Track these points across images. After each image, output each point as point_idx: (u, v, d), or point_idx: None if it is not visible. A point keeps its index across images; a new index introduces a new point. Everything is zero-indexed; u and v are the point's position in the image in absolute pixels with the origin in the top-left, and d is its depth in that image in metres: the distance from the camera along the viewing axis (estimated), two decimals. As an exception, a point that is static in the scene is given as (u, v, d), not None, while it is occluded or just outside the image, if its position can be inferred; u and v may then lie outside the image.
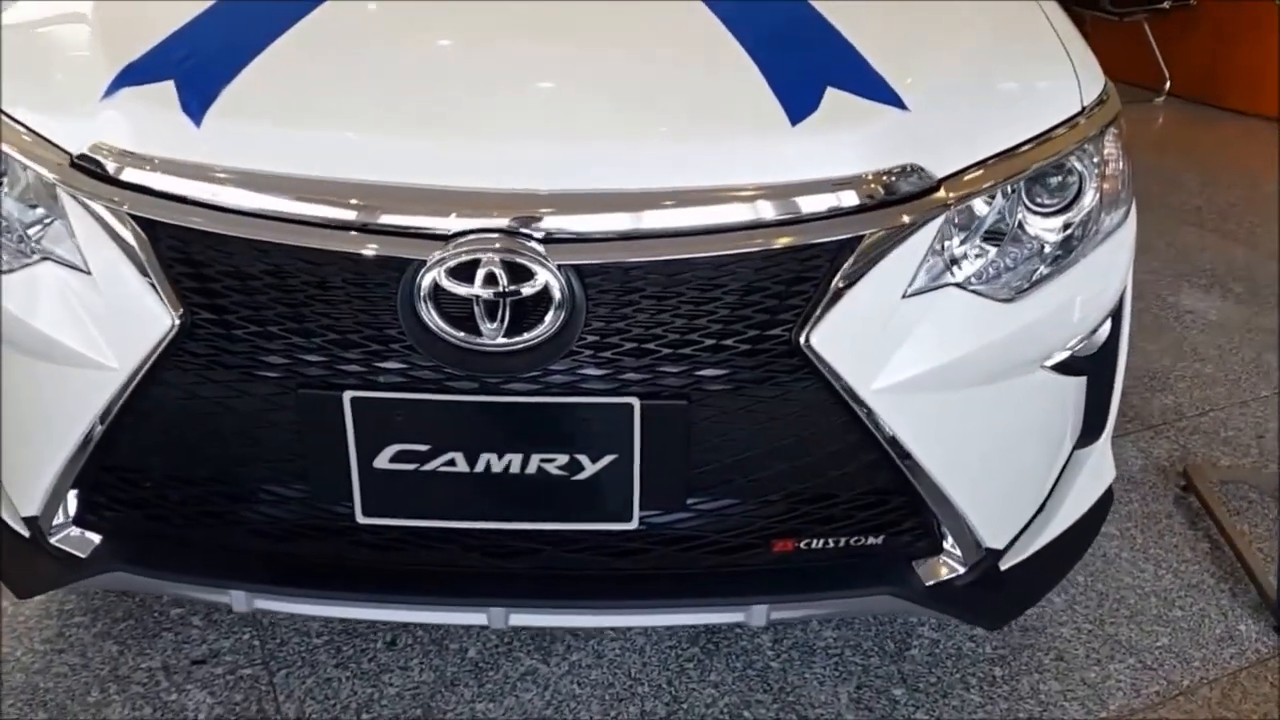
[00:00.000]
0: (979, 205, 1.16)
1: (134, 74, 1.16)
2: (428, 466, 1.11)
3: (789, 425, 1.13)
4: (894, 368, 1.11)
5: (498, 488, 1.12)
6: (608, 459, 1.10)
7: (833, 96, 1.14)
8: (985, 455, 1.23)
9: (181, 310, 1.08)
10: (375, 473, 1.11)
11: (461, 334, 1.05)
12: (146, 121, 1.11)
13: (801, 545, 1.21)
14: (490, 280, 1.03)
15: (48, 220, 1.15)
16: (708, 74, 1.18)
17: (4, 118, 1.17)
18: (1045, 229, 1.21)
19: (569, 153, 1.08)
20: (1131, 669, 1.55)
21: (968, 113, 1.20)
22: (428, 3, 1.30)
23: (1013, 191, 1.18)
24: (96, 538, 1.24)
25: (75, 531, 1.24)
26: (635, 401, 1.08)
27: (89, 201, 1.09)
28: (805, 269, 1.08)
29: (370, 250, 1.05)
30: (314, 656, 1.51)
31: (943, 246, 1.14)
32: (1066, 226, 1.22)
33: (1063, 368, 1.26)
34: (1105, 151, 1.26)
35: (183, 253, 1.08)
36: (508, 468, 1.11)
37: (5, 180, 1.16)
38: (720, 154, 1.09)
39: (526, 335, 1.05)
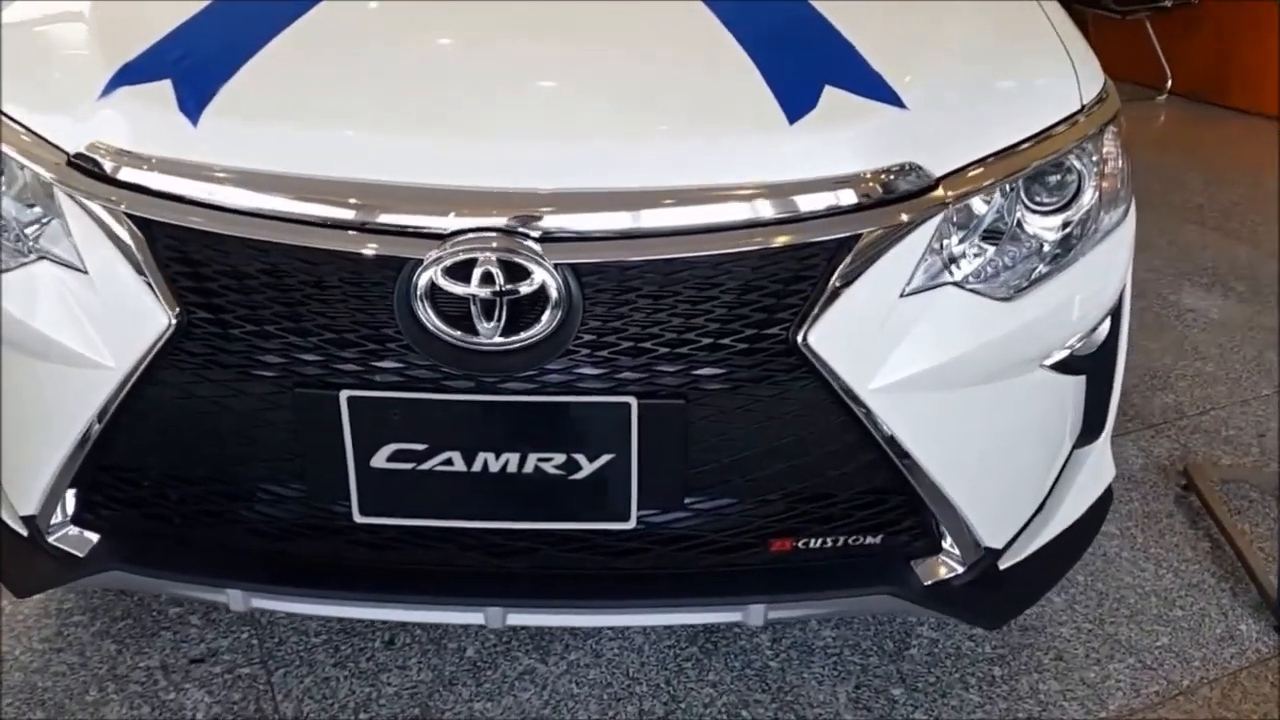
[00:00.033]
0: (977, 204, 1.16)
1: (131, 73, 1.15)
2: (425, 466, 1.11)
3: (787, 424, 1.13)
4: (892, 367, 1.11)
5: (495, 487, 1.12)
6: (605, 458, 1.10)
7: (831, 95, 1.13)
8: (984, 454, 1.23)
9: (178, 309, 1.08)
10: (372, 472, 1.11)
11: (458, 333, 1.05)
12: (143, 121, 1.11)
13: (799, 545, 1.21)
14: (487, 279, 1.02)
15: (45, 220, 1.15)
16: (705, 73, 1.18)
17: (3, 118, 1.17)
18: (1044, 228, 1.20)
19: (565, 152, 1.08)
20: (1131, 669, 1.55)
21: (966, 111, 1.20)
22: (425, 2, 1.30)
23: (1011, 190, 1.17)
24: (94, 537, 1.24)
25: (73, 530, 1.24)
26: (632, 401, 1.08)
27: (85, 201, 1.09)
28: (803, 268, 1.08)
29: (367, 249, 1.04)
30: (312, 656, 1.51)
31: (941, 245, 1.13)
32: (1065, 225, 1.21)
33: (1062, 367, 1.26)
34: (1104, 150, 1.26)
35: (179, 252, 1.08)
36: (505, 467, 1.11)
37: (3, 179, 1.16)
38: (718, 153, 1.08)
39: (523, 334, 1.05)
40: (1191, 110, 4.86)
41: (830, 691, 1.48)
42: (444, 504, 1.14)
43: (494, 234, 1.03)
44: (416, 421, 1.09)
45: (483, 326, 1.04)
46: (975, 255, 1.16)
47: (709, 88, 1.16)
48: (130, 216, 1.08)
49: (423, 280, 1.03)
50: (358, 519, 1.14)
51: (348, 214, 1.04)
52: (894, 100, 1.14)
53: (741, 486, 1.17)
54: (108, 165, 1.09)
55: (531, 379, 1.08)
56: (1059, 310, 1.21)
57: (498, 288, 1.03)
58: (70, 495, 1.22)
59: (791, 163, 1.08)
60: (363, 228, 1.04)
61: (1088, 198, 1.23)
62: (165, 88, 1.13)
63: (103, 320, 1.10)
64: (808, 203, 1.07)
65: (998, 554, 1.29)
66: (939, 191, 1.11)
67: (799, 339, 1.08)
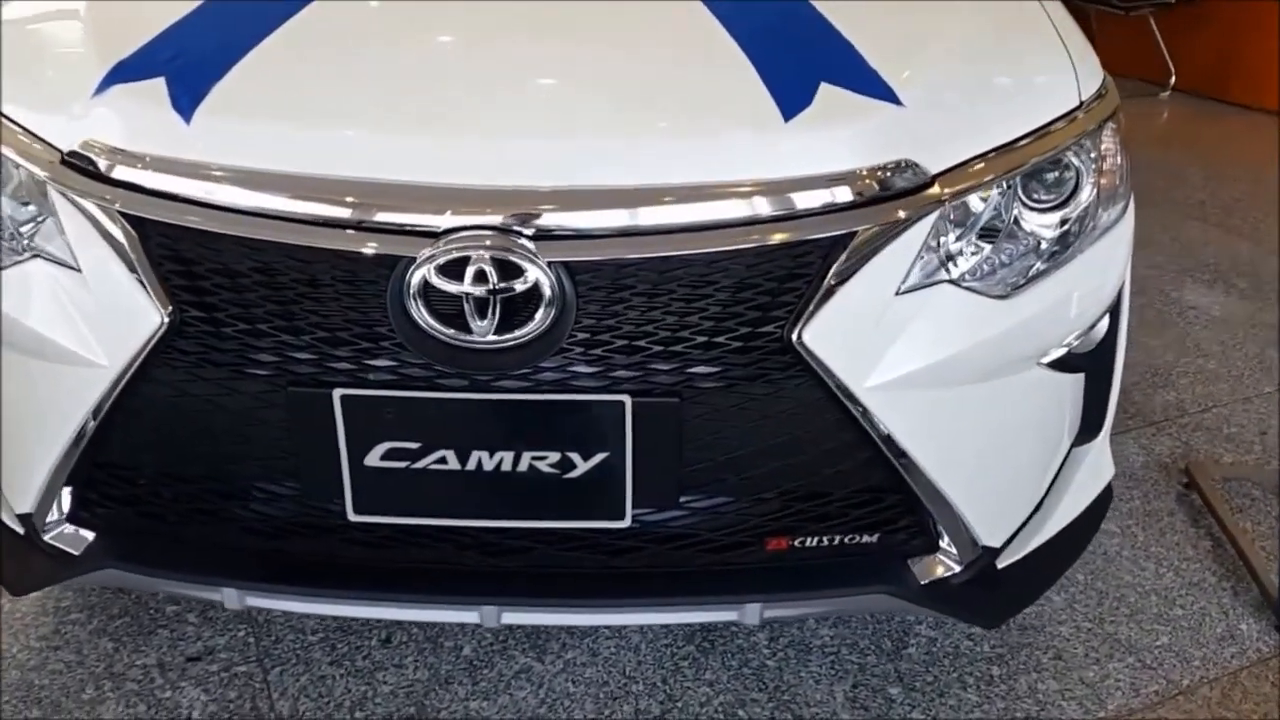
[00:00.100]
0: (974, 201, 1.15)
1: (125, 71, 1.15)
2: (419, 464, 1.10)
3: (782, 423, 1.12)
4: (888, 365, 1.10)
5: (489, 485, 1.11)
6: (599, 457, 1.10)
7: (827, 92, 1.13)
8: (981, 453, 1.22)
9: (171, 308, 1.07)
10: (366, 470, 1.11)
11: (452, 331, 1.05)
12: (137, 119, 1.11)
13: (795, 543, 1.20)
14: (480, 277, 1.02)
15: (40, 218, 1.15)
16: (699, 71, 1.17)
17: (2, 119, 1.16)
18: (1041, 225, 1.20)
19: (558, 150, 1.07)
20: (1131, 668, 1.54)
21: (963, 108, 1.19)
22: (418, 1, 1.29)
23: (1008, 187, 1.17)
24: (90, 535, 1.24)
25: (69, 529, 1.24)
26: (626, 399, 1.07)
27: (79, 199, 1.09)
28: (797, 265, 1.07)
29: (359, 247, 1.04)
30: (308, 654, 1.51)
31: (938, 243, 1.13)
32: (1063, 222, 1.21)
33: (1060, 365, 1.25)
34: (1103, 146, 1.25)
35: (172, 250, 1.08)
36: (499, 465, 1.10)
37: (1, 178, 1.16)
38: (712, 150, 1.08)
39: (517, 332, 1.05)
40: (1193, 106, 4.84)
41: (827, 690, 1.48)
42: (438, 503, 1.14)
43: (487, 232, 1.03)
44: (410, 420, 1.09)
45: (476, 325, 1.04)
46: (972, 253, 1.16)
47: (704, 85, 1.15)
48: (123, 214, 1.07)
49: (416, 278, 1.03)
50: (352, 517, 1.14)
51: (340, 212, 1.04)
52: (890, 97, 1.14)
53: (737, 485, 1.16)
54: (101, 163, 1.09)
55: (525, 377, 1.08)
56: (1056, 308, 1.20)
57: (491, 286, 1.02)
58: (66, 493, 1.22)
59: (787, 160, 1.08)
60: (355, 226, 1.04)
61: (1086, 194, 1.22)
62: (159, 86, 1.12)
63: (96, 318, 1.10)
64: (803, 200, 1.07)
65: (995, 553, 1.29)
66: (935, 189, 1.10)
67: (794, 337, 1.07)
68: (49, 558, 1.25)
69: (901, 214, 1.08)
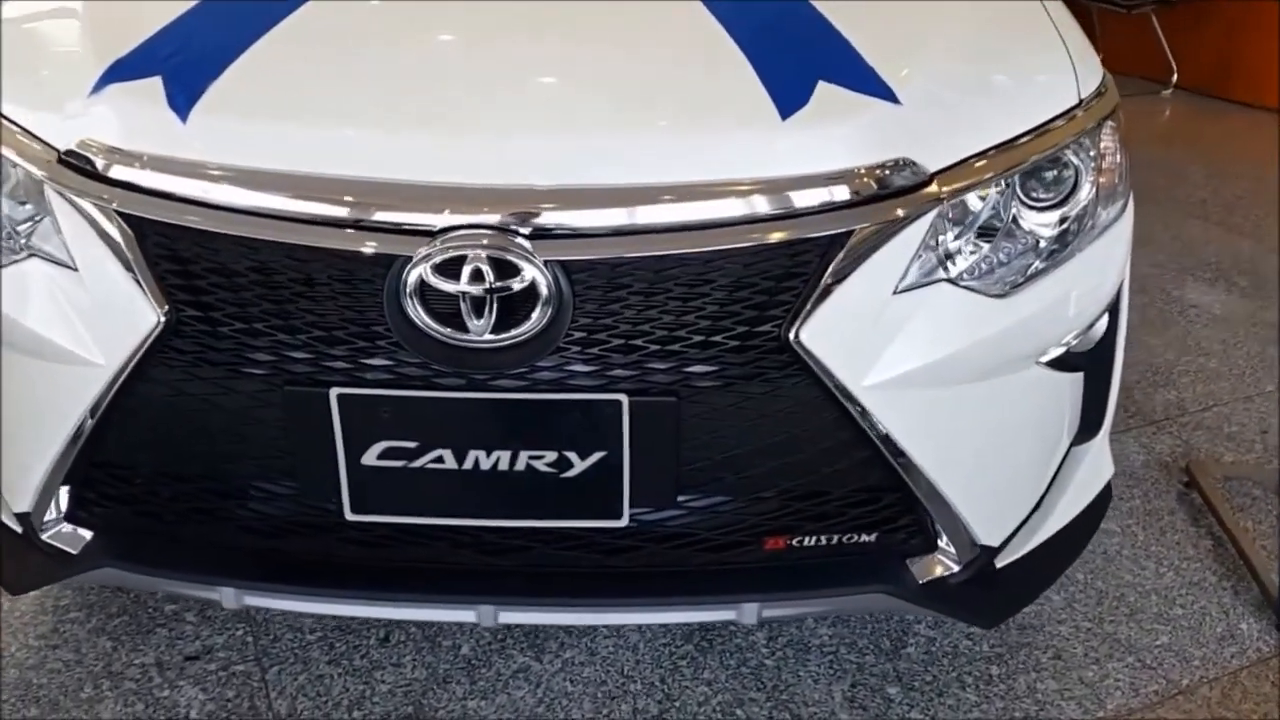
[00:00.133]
0: (972, 199, 1.14)
1: (121, 70, 1.15)
2: (416, 463, 1.10)
3: (780, 422, 1.12)
4: (885, 364, 1.10)
5: (486, 485, 1.11)
6: (597, 456, 1.10)
7: (824, 90, 1.12)
8: (979, 452, 1.22)
9: (167, 307, 1.07)
10: (363, 470, 1.11)
11: (448, 330, 1.04)
12: (133, 117, 1.11)
13: (793, 543, 1.20)
14: (476, 276, 1.02)
15: (37, 217, 1.15)
16: (696, 69, 1.17)
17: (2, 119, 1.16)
18: (1040, 224, 1.19)
19: (554, 148, 1.07)
20: (1130, 668, 1.54)
21: (962, 106, 1.19)
22: (416, 1, 1.29)
23: (1007, 186, 1.16)
24: (88, 534, 1.24)
25: (67, 528, 1.24)
26: (623, 398, 1.07)
27: (75, 198, 1.09)
28: (795, 264, 1.07)
29: (355, 246, 1.04)
30: (307, 653, 1.51)
31: (936, 241, 1.13)
32: (1062, 221, 1.20)
33: (1058, 364, 1.25)
34: (1102, 145, 1.25)
35: (168, 249, 1.08)
36: (496, 465, 1.10)
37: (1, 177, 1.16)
38: (708, 149, 1.08)
39: (513, 331, 1.04)
40: (1195, 104, 4.83)
41: (826, 690, 1.48)
42: (435, 502, 1.14)
43: (483, 231, 1.03)
44: (407, 419, 1.09)
45: (473, 324, 1.04)
46: (970, 252, 1.15)
47: (700, 84, 1.15)
48: (119, 214, 1.07)
49: (412, 277, 1.03)
50: (349, 517, 1.14)
51: (336, 211, 1.04)
52: (888, 95, 1.13)
53: (734, 484, 1.16)
54: (98, 163, 1.09)
55: (522, 376, 1.08)
56: (1055, 307, 1.20)
57: (487, 285, 1.02)
58: (64, 492, 1.22)
59: (784, 158, 1.07)
60: (351, 225, 1.04)
61: (1085, 193, 1.21)
62: (155, 84, 1.12)
63: (92, 318, 1.10)
64: (800, 198, 1.06)
65: (994, 552, 1.29)
66: (933, 187, 1.10)
67: (791, 336, 1.07)
68: (47, 556, 1.25)
69: (899, 212, 1.08)
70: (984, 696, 1.48)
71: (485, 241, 1.02)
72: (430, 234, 1.03)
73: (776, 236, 1.06)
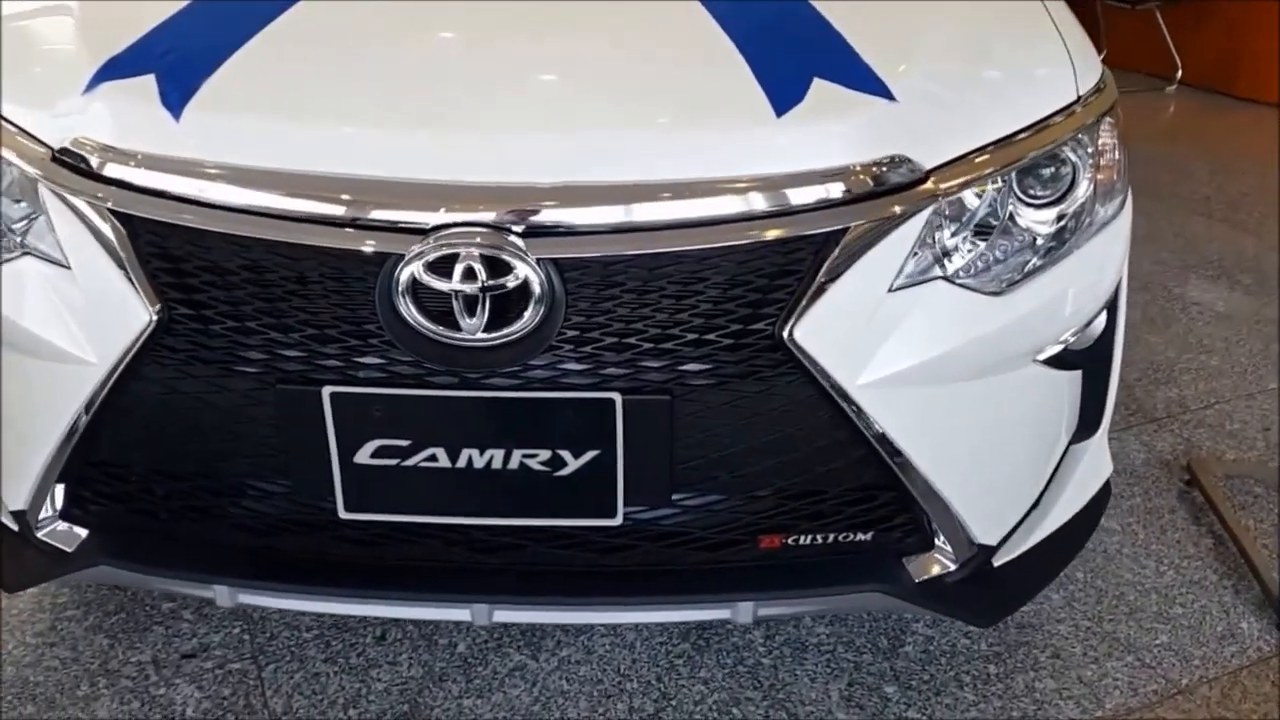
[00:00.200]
0: (969, 197, 1.14)
1: (115, 68, 1.15)
2: (409, 462, 1.10)
3: (774, 420, 1.11)
4: (880, 362, 1.10)
5: (480, 483, 1.11)
6: (590, 454, 1.09)
7: (819, 88, 1.12)
8: (976, 450, 1.22)
9: (159, 306, 1.07)
10: (356, 468, 1.10)
11: (441, 329, 1.04)
12: (127, 115, 1.11)
13: (789, 541, 1.20)
14: (469, 275, 1.01)
15: (32, 215, 1.15)
16: (691, 67, 1.16)
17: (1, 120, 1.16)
18: (1037, 221, 1.18)
19: (547, 146, 1.06)
20: (1129, 667, 1.53)
21: (958, 102, 1.18)
22: (407, 0, 1.28)
23: (1004, 183, 1.15)
24: (83, 532, 1.24)
25: (62, 525, 1.24)
26: (617, 397, 1.07)
27: (69, 196, 1.09)
28: (789, 262, 1.06)
29: (347, 244, 1.04)
30: (303, 651, 1.51)
31: (933, 239, 1.12)
32: (1060, 218, 1.20)
33: (1056, 361, 1.24)
34: (1101, 141, 1.24)
35: (160, 247, 1.08)
36: (489, 463, 1.10)
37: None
38: (703, 146, 1.07)
39: (506, 330, 1.04)
40: (1200, 100, 4.81)
41: (823, 689, 1.47)
42: (429, 500, 1.14)
43: (475, 229, 1.02)
44: (400, 417, 1.09)
45: (465, 322, 1.04)
46: (967, 249, 1.15)
47: (695, 82, 1.14)
48: (112, 212, 1.07)
49: (404, 275, 1.02)
50: (343, 515, 1.14)
51: (327, 209, 1.03)
52: (883, 92, 1.12)
53: (729, 483, 1.15)
54: (92, 161, 1.09)
55: (515, 375, 1.07)
56: (1052, 304, 1.19)
57: (480, 283, 1.02)
58: (59, 490, 1.22)
59: (779, 156, 1.07)
60: (343, 223, 1.04)
61: (1082, 190, 1.21)
62: (149, 82, 1.12)
63: (86, 316, 1.10)
64: (795, 195, 1.06)
65: (991, 551, 1.28)
66: (929, 184, 1.09)
67: (784, 334, 1.06)
68: (43, 554, 1.25)
69: (895, 210, 1.07)
70: (982, 695, 1.48)
71: (478, 240, 1.02)
72: (422, 232, 1.03)
73: (771, 234, 1.05)
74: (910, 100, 1.12)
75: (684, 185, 1.05)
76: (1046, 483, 1.35)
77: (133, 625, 1.55)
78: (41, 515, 1.24)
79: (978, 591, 1.28)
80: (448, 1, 1.27)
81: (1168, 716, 1.45)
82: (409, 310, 1.04)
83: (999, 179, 1.15)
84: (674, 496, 1.15)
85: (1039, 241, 1.18)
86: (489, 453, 1.09)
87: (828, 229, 1.06)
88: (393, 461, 1.10)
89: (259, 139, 1.07)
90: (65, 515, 1.24)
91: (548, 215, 1.03)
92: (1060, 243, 1.20)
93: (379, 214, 1.03)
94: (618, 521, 1.14)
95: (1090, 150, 1.22)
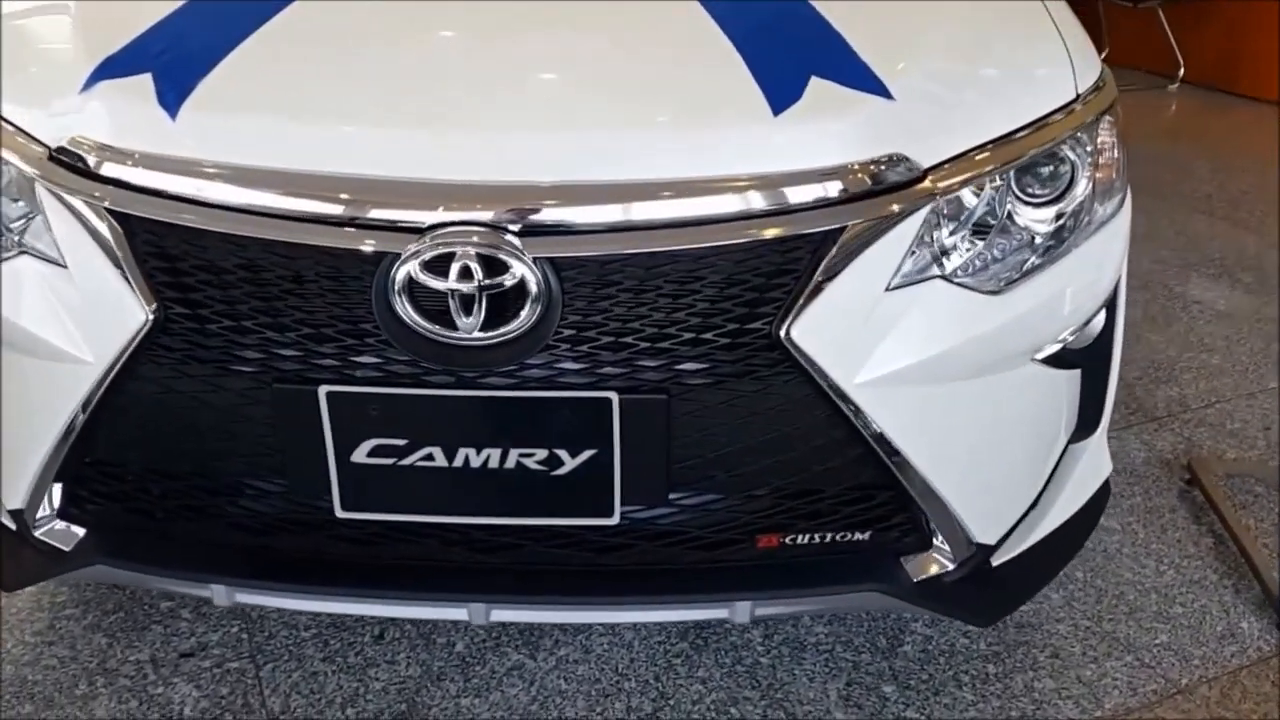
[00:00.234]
0: (967, 195, 1.13)
1: (112, 67, 1.15)
2: (406, 461, 1.10)
3: (771, 420, 1.11)
4: (877, 361, 1.09)
5: (476, 482, 1.11)
6: (587, 454, 1.09)
7: (816, 86, 1.11)
8: (975, 449, 1.21)
9: (155, 305, 1.07)
10: (353, 467, 1.10)
11: (437, 328, 1.04)
12: (123, 114, 1.11)
13: (786, 541, 1.19)
14: (465, 274, 1.01)
15: (30, 215, 1.14)
16: (688, 66, 1.16)
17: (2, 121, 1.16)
18: (1036, 220, 1.18)
19: (544, 145, 1.06)
20: (1129, 667, 1.53)
21: (957, 101, 1.18)
22: (402, 0, 1.28)
23: (1002, 181, 1.15)
24: (80, 531, 1.24)
25: (60, 525, 1.24)
26: (613, 396, 1.07)
27: (66, 195, 1.09)
28: (786, 261, 1.06)
29: (343, 243, 1.03)
30: (301, 650, 1.51)
31: (931, 238, 1.12)
32: (1058, 217, 1.19)
33: (1055, 360, 1.24)
34: (1100, 140, 1.23)
35: (157, 246, 1.08)
36: (486, 462, 1.10)
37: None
38: (699, 145, 1.07)
39: (502, 329, 1.04)
40: (1202, 98, 4.80)
41: (821, 689, 1.47)
42: (426, 499, 1.13)
43: (472, 228, 1.02)
44: (396, 417, 1.08)
45: (461, 321, 1.03)
46: (965, 248, 1.14)
47: (692, 80, 1.14)
48: (109, 211, 1.07)
49: (400, 275, 1.02)
50: (339, 514, 1.14)
51: (323, 208, 1.03)
52: (881, 91, 1.12)
53: (726, 482, 1.15)
54: (90, 160, 1.09)
55: (511, 374, 1.07)
56: (1050, 303, 1.19)
57: (476, 282, 1.01)
58: (56, 489, 1.22)
59: (776, 154, 1.06)
60: (338, 222, 1.03)
61: (1081, 188, 1.20)
62: (145, 81, 1.12)
63: (82, 315, 1.10)
64: (792, 194, 1.06)
65: (990, 550, 1.28)
66: (926, 183, 1.09)
67: (781, 333, 1.06)
68: (40, 553, 1.25)
69: (892, 208, 1.07)
70: (980, 695, 1.47)
71: (474, 238, 1.02)
72: (419, 231, 1.02)
73: (768, 233, 1.05)
74: (908, 99, 1.12)
75: (680, 184, 1.05)
76: (1045, 482, 1.35)
77: (131, 624, 1.55)
78: (39, 514, 1.24)
79: (976, 591, 1.27)
80: (443, 1, 1.27)
81: (1167, 716, 1.45)
82: (405, 309, 1.04)
83: (997, 178, 1.14)
84: (671, 496, 1.15)
85: (1037, 240, 1.18)
86: (486, 452, 1.09)
87: (825, 228, 1.06)
88: (389, 461, 1.10)
89: (255, 138, 1.07)
90: (63, 514, 1.24)
91: (544, 214, 1.03)
92: (1059, 241, 1.19)
93: (375, 213, 1.03)
94: (615, 521, 1.14)
95: (1089, 149, 1.21)
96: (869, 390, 1.09)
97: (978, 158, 1.13)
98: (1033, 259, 1.18)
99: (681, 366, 1.08)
